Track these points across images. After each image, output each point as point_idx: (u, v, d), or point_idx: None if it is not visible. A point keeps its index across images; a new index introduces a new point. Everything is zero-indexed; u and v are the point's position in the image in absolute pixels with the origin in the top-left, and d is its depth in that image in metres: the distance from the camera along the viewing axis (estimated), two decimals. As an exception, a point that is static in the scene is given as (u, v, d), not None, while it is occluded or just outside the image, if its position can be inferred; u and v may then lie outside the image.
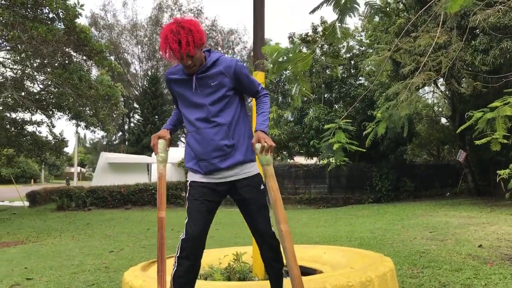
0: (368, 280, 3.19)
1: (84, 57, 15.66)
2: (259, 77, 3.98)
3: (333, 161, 6.71)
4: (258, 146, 2.43)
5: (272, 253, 2.68)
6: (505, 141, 5.84)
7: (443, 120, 27.32)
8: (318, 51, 23.52)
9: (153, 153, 26.04)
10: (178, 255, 2.59)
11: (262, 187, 2.65)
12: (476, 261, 6.40)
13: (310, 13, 4.09)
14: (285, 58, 3.95)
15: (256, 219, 2.63)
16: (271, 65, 3.94)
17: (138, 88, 50.54)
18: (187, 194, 2.64)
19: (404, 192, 22.96)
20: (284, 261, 2.59)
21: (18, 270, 7.08)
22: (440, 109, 27.83)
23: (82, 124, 21.28)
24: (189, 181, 2.65)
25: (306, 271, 4.05)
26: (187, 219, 2.57)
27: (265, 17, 4.19)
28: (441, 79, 17.78)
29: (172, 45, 2.34)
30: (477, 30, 13.79)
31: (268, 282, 2.83)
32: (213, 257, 4.38)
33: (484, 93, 13.91)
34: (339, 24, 3.79)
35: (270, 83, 23.22)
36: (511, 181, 4.84)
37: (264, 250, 2.69)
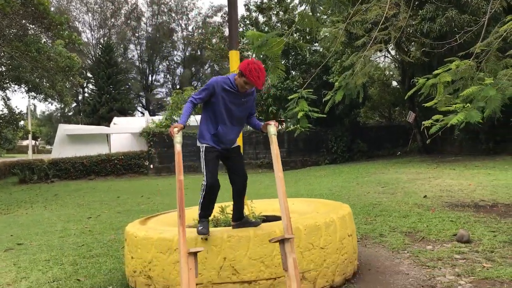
0: (331, 220, 3.96)
1: (42, 29, 15.52)
2: (234, 55, 4.58)
3: (299, 127, 7.43)
4: (272, 122, 3.82)
5: (244, 186, 3.99)
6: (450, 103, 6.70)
7: (394, 83, 28.59)
8: (274, 18, 23.98)
9: (112, 123, 25.92)
10: (203, 193, 3.79)
11: (241, 151, 4.16)
12: (421, 209, 7.37)
13: (287, 9, 4.69)
14: (263, 42, 4.64)
15: (239, 168, 4.00)
16: (253, 50, 4.58)
17: (91, 57, 49.42)
18: (204, 156, 3.81)
19: (358, 152, 24.22)
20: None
21: (5, 237, 7.53)
22: (391, 72, 29.04)
23: (40, 96, 21.11)
24: (206, 146, 3.84)
25: (279, 219, 4.79)
26: (205, 172, 3.76)
27: None
28: (392, 45, 18.69)
29: (254, 79, 3.59)
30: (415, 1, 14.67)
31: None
32: (196, 213, 5.03)
33: (431, 57, 14.94)
34: (310, 14, 4.40)
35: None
36: (433, 127, 5.67)
37: (239, 185, 3.97)
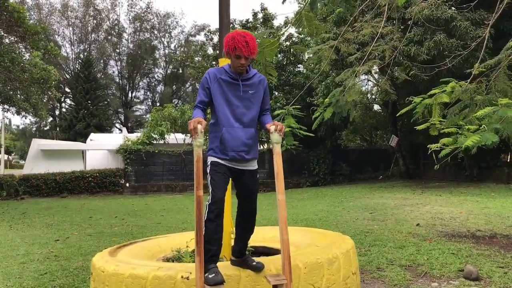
0: (334, 257, 3.41)
1: (17, 39, 14.79)
2: (223, 63, 4.09)
3: (284, 144, 6.92)
4: (273, 127, 3.10)
5: (252, 223, 3.31)
6: (442, 126, 6.30)
7: (376, 107, 28.47)
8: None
9: (89, 139, 24.98)
10: (206, 218, 2.97)
11: (257, 176, 3.38)
12: (416, 239, 6.89)
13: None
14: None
15: (251, 199, 3.28)
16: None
17: (70, 71, 48.43)
18: (209, 170, 3.15)
19: (340, 175, 23.88)
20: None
21: (-41, 262, 6.75)
22: (373, 96, 28.96)
23: (12, 109, 20.26)
24: (212, 161, 3.17)
25: (271, 252, 4.23)
26: (211, 188, 3.06)
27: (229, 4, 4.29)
28: (375, 67, 18.51)
29: (240, 43, 2.98)
30: (410, 22, 14.51)
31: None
32: (177, 241, 4.44)
33: (415, 81, 14.72)
34: (307, 12, 3.95)
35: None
36: (442, 151, 5.24)
37: (246, 222, 3.30)
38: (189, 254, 3.92)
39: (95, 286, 3.50)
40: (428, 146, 5.15)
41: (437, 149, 4.93)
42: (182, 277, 3.03)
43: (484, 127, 4.48)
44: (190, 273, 3.04)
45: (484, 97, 5.31)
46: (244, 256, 3.29)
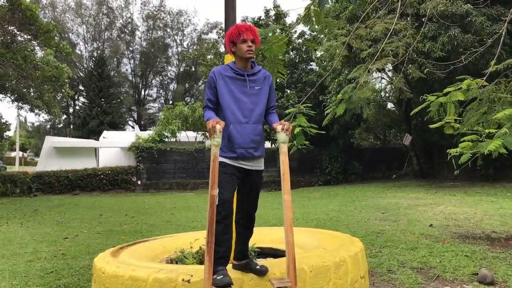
0: (342, 260, 3.29)
1: (29, 37, 14.84)
2: (230, 59, 3.98)
3: (295, 144, 6.80)
4: (279, 126, 3.04)
5: (253, 221, 3.28)
6: (458, 125, 6.12)
7: (390, 105, 28.16)
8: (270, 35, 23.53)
9: (102, 137, 24.94)
10: (216, 219, 2.89)
11: (262, 177, 3.37)
12: (429, 240, 6.72)
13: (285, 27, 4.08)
14: (262, 39, 4.02)
15: (255, 198, 3.25)
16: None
17: (83, 69, 48.73)
18: (218, 171, 3.01)
19: (353, 174, 23.63)
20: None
21: (-33, 259, 6.74)
22: (386, 94, 28.64)
23: (26, 106, 20.39)
24: (219, 162, 3.05)
25: (277, 253, 4.12)
26: (218, 190, 2.95)
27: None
28: (388, 65, 18.28)
29: (243, 28, 3.08)
30: (424, 19, 14.27)
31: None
32: (182, 241, 4.35)
33: (429, 79, 14.47)
34: (316, 8, 3.82)
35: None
36: (462, 157, 5.06)
37: (248, 221, 3.25)
38: (192, 255, 3.83)
39: (96, 287, 3.42)
40: (448, 151, 4.99)
41: (456, 154, 4.77)
42: (183, 280, 2.93)
43: (506, 130, 4.30)
44: (192, 276, 2.94)
45: (504, 97, 5.11)
46: (246, 258, 3.19)
